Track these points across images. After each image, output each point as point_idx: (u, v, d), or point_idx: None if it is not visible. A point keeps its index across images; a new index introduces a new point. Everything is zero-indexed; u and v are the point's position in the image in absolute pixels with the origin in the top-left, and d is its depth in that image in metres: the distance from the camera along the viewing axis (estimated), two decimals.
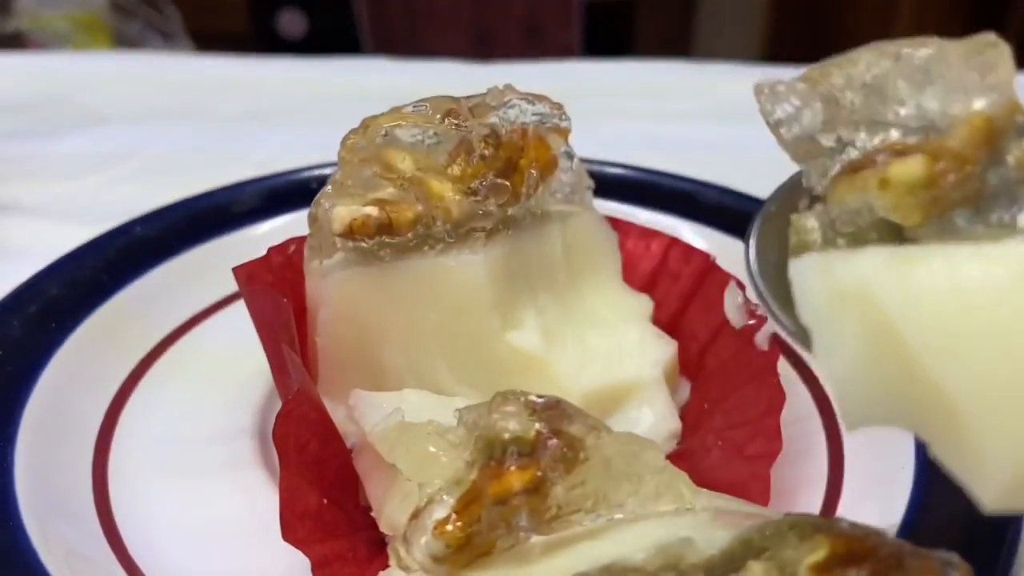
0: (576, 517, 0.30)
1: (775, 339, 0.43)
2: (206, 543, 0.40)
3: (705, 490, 0.32)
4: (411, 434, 0.34)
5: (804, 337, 0.25)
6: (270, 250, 0.46)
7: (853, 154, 0.25)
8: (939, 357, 0.21)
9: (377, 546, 0.37)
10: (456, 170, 0.40)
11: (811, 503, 0.40)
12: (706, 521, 0.30)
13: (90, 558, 0.38)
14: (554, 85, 0.48)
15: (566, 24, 1.55)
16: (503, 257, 0.41)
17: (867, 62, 0.25)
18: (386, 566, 0.33)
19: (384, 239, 0.39)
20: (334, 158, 0.42)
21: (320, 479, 0.37)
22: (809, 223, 0.25)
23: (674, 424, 0.43)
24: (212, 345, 0.51)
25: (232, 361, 0.49)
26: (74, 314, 0.48)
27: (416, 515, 0.31)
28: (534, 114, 0.42)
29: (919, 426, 0.23)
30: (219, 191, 0.58)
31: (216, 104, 0.87)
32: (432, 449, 0.33)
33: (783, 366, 0.45)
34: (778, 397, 0.40)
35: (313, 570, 0.35)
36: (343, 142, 0.42)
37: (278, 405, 0.41)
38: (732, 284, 0.45)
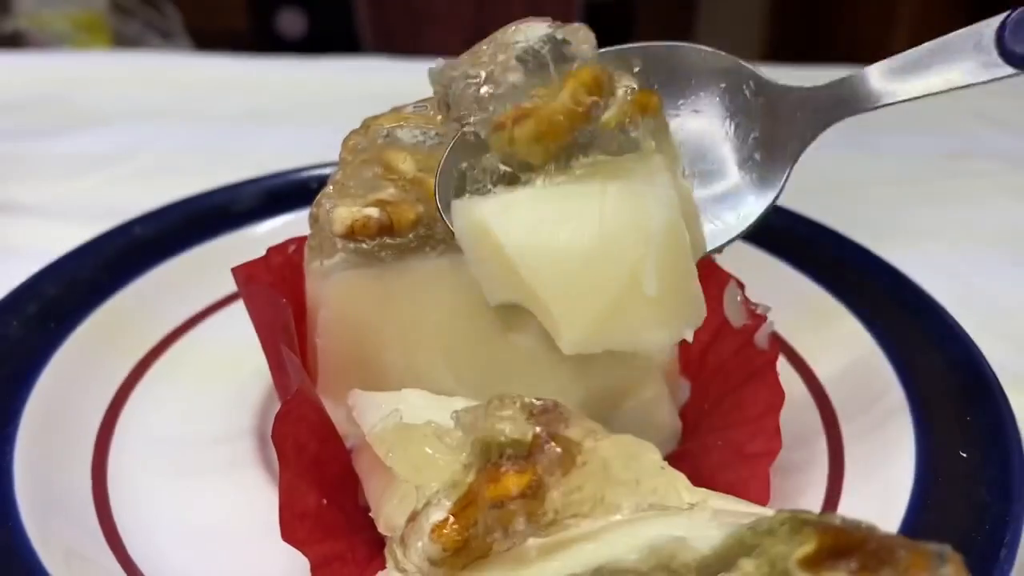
0: (573, 521, 0.30)
1: (774, 338, 0.43)
2: (205, 543, 0.40)
3: (703, 490, 0.32)
4: (409, 435, 0.34)
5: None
6: (269, 250, 0.46)
7: (495, 115, 0.36)
8: (528, 263, 0.35)
9: (376, 547, 0.37)
10: None
11: (811, 502, 0.40)
12: (702, 521, 0.30)
13: (89, 558, 0.38)
14: None
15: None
16: None
17: (501, 47, 0.39)
18: (385, 567, 0.33)
19: (385, 240, 0.39)
20: (334, 158, 0.42)
21: (319, 480, 0.37)
22: (463, 167, 0.37)
23: (674, 424, 0.43)
24: (211, 345, 0.51)
25: (231, 361, 0.49)
26: (73, 314, 0.48)
27: (413, 517, 0.31)
28: None
29: (523, 302, 0.37)
30: (218, 191, 0.58)
31: (216, 104, 0.87)
32: (429, 451, 0.33)
33: (782, 365, 0.45)
34: (777, 396, 0.40)
35: (312, 570, 0.35)
36: (344, 142, 0.42)
37: (277, 406, 0.41)
38: (732, 283, 0.44)
